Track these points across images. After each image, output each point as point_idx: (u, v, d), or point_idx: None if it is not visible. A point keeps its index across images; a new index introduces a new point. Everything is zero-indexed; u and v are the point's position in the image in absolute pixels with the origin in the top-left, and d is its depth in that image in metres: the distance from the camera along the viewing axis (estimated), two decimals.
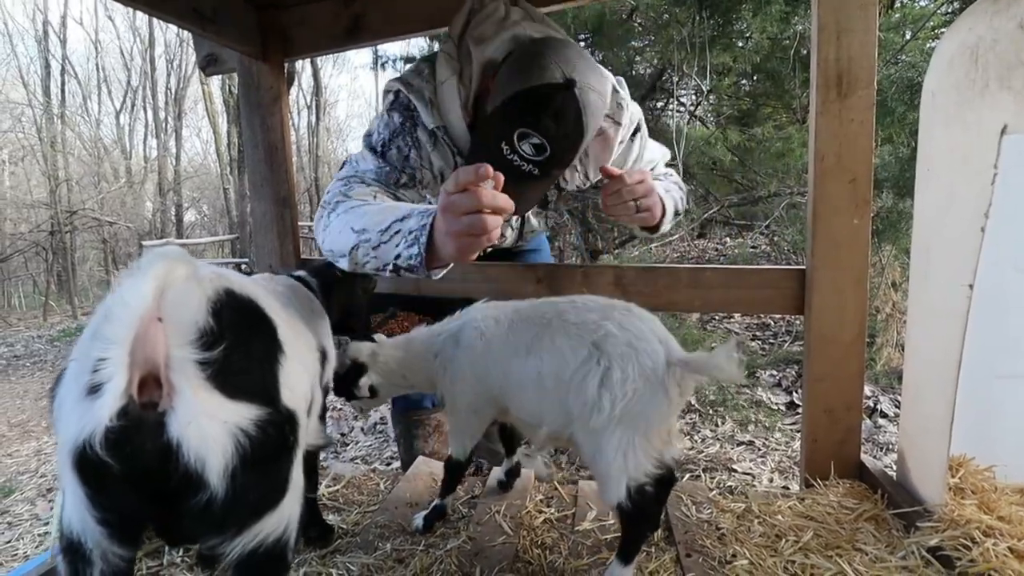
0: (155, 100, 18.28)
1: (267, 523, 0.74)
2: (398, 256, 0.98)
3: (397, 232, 0.99)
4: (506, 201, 0.87)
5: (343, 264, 1.12)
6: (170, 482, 0.63)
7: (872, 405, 2.37)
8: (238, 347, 0.69)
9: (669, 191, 1.44)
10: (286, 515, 0.77)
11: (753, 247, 5.55)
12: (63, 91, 17.17)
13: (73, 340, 8.35)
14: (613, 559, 1.09)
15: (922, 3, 4.05)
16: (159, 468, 0.63)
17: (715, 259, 6.02)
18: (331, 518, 1.42)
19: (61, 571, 0.72)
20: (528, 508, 1.42)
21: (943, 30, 3.63)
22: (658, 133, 5.52)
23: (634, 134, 1.45)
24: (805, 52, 3.82)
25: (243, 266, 8.90)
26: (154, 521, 0.70)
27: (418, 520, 1.35)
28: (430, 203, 1.30)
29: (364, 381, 1.28)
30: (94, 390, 0.61)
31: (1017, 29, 0.91)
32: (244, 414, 0.68)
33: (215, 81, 15.77)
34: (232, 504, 0.67)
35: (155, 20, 15.88)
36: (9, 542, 2.55)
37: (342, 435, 3.00)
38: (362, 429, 2.89)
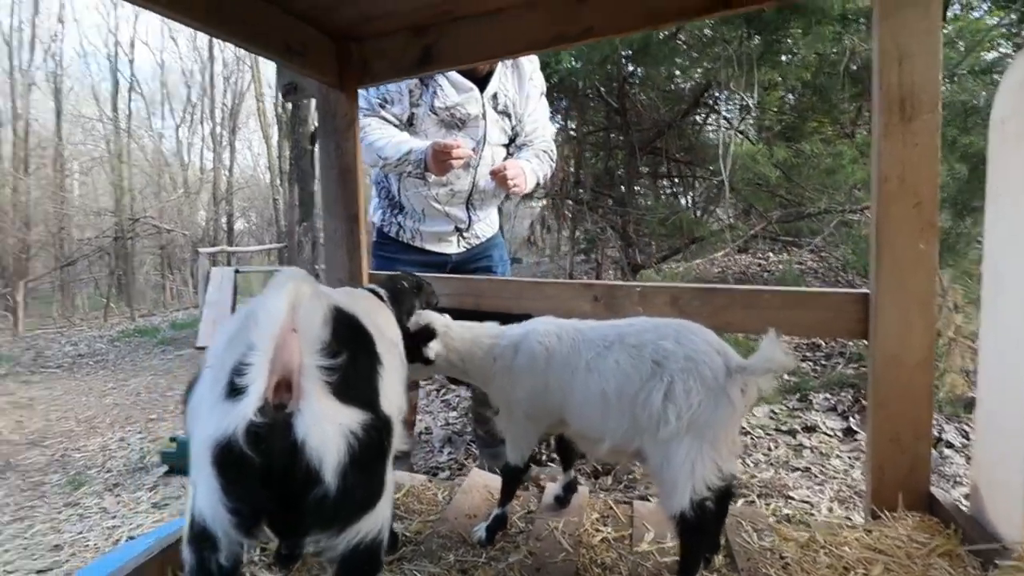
0: (212, 115, 19.28)
1: (367, 522, 0.80)
2: (408, 170, 2.01)
3: (406, 161, 1.97)
4: (464, 152, 1.91)
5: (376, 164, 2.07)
6: (293, 477, 0.71)
7: (937, 434, 2.29)
8: (349, 358, 0.77)
9: (536, 171, 2.21)
10: (382, 515, 0.83)
11: (800, 264, 5.42)
12: (130, 107, 18.35)
13: (132, 340, 8.83)
14: None
15: (975, 15, 3.90)
16: (286, 463, 0.70)
17: (759, 275, 5.90)
18: (395, 526, 1.48)
19: (188, 558, 0.80)
20: (585, 526, 1.45)
21: (1001, 41, 3.51)
22: (699, 147, 5.50)
23: (541, 95, 2.30)
24: (856, 68, 3.75)
25: None
26: (273, 514, 0.77)
27: (480, 531, 1.39)
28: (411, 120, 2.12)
29: (434, 345, 1.35)
30: (235, 392, 0.69)
31: None
32: (354, 418, 0.75)
33: (268, 98, 16.54)
34: (342, 500, 0.73)
35: (215, 41, 16.80)
36: (80, 533, 2.70)
37: None
38: (439, 446, 2.96)
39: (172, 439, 3.37)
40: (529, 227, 6.79)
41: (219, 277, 8.68)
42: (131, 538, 2.53)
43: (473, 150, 2.12)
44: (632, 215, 5.09)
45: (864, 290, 1.50)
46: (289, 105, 10.61)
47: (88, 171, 18.58)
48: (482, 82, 2.09)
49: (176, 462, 3.19)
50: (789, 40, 3.85)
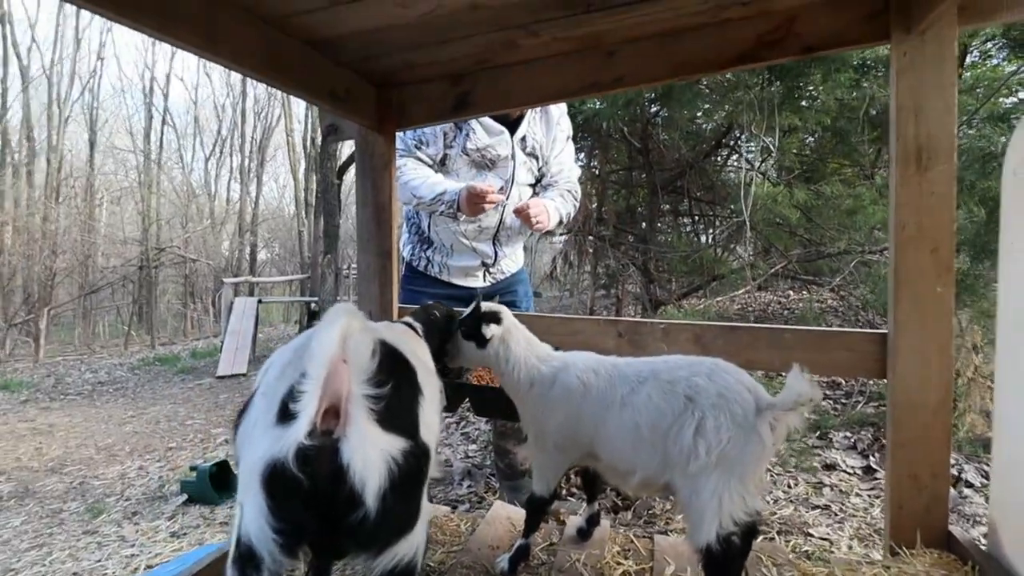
0: (241, 149, 20.01)
1: (403, 545, 0.85)
2: (441, 209, 2.14)
3: (440, 200, 2.12)
4: (497, 196, 2.06)
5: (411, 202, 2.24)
6: (337, 499, 0.76)
7: (956, 474, 2.26)
8: (393, 388, 0.83)
9: (559, 209, 2.32)
10: (417, 540, 0.88)
11: (819, 302, 5.41)
12: (162, 139, 19.13)
13: (152, 368, 8.96)
14: None
15: (995, 62, 4.01)
16: (331, 486, 0.76)
17: (779, 313, 5.89)
18: None
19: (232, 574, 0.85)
20: (607, 559, 1.47)
21: (1019, 88, 3.59)
22: (720, 187, 5.60)
23: (567, 138, 2.44)
24: (875, 112, 3.85)
25: (312, 304, 9.43)
26: (317, 534, 0.82)
27: (503, 562, 1.41)
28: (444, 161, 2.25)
29: (494, 328, 1.39)
30: (287, 417, 0.76)
31: None
32: (395, 445, 0.81)
33: (297, 132, 17.15)
34: (380, 523, 0.79)
35: (247, 78, 17.55)
36: (99, 561, 2.70)
37: None
38: (459, 479, 2.97)
39: (192, 468, 3.40)
40: (551, 262, 6.88)
41: (241, 307, 8.88)
42: (149, 567, 2.55)
43: (501, 189, 2.23)
44: (653, 252, 5.16)
45: (883, 331, 1.54)
46: (319, 140, 11.03)
47: (117, 201, 19.29)
48: (512, 125, 2.23)
49: (195, 491, 3.20)
50: (810, 86, 3.98)
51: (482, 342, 1.41)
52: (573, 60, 1.69)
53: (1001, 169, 1.37)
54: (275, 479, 0.76)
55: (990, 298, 2.66)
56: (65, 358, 11.46)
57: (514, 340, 1.42)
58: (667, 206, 6.09)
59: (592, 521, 1.56)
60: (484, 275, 2.40)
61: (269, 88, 17.93)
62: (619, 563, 1.45)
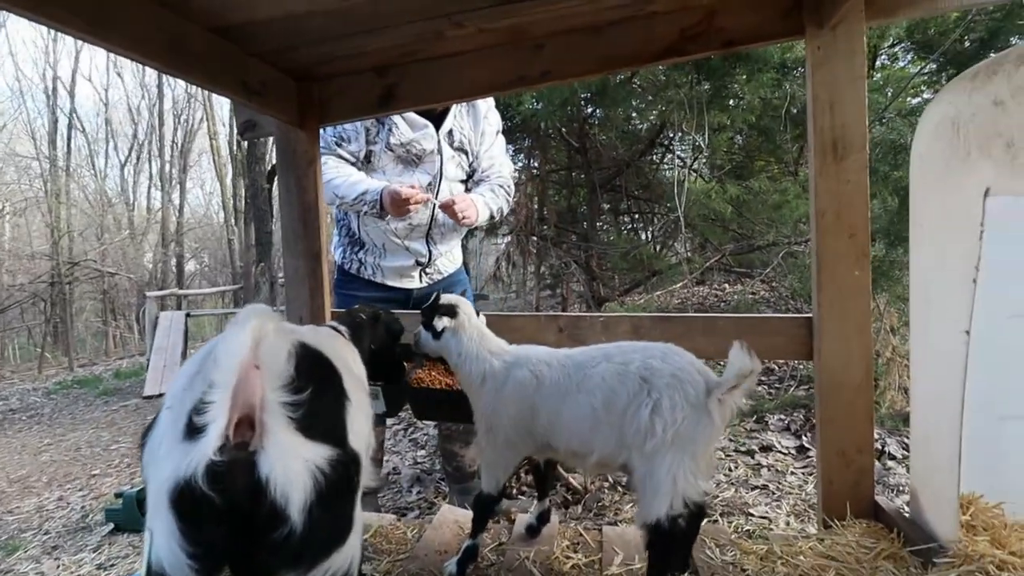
0: (161, 153, 18.80)
1: (336, 559, 0.79)
2: (363, 210, 2.06)
3: (361, 201, 2.03)
4: (421, 197, 2.00)
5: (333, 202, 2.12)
6: (257, 516, 0.70)
7: (880, 448, 2.41)
8: (314, 393, 0.77)
9: (489, 204, 2.27)
10: (351, 552, 0.82)
11: (752, 293, 5.68)
12: (69, 145, 17.66)
13: (70, 392, 8.29)
14: None
15: (901, 64, 4.34)
16: (249, 503, 0.69)
17: (716, 305, 6.13)
18: (364, 567, 1.44)
19: None
20: (556, 554, 1.45)
21: (923, 88, 3.90)
22: (657, 185, 5.77)
23: (497, 132, 2.39)
24: (796, 111, 4.07)
25: None
26: (236, 556, 0.75)
27: (451, 566, 1.38)
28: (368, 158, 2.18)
29: (446, 322, 1.39)
30: (195, 431, 0.68)
31: (992, 105, 1.04)
32: (320, 454, 0.75)
33: (222, 135, 16.30)
34: (308, 538, 0.72)
35: (164, 77, 16.55)
36: None
37: None
38: (406, 486, 2.89)
39: (117, 495, 3.14)
40: (495, 263, 6.85)
41: (167, 322, 8.32)
42: None
43: (430, 185, 2.19)
44: (595, 250, 5.24)
45: (809, 315, 1.61)
46: (245, 143, 10.52)
47: (22, 212, 17.65)
48: (437, 119, 2.18)
49: (122, 519, 2.96)
50: (735, 85, 4.16)
51: (435, 333, 1.41)
52: (501, 53, 1.67)
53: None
54: (184, 500, 0.69)
55: (904, 283, 2.86)
56: None
57: (466, 334, 1.41)
58: (607, 205, 6.21)
59: (543, 518, 1.54)
60: (420, 275, 2.33)
61: (189, 88, 16.98)
62: (568, 557, 1.44)
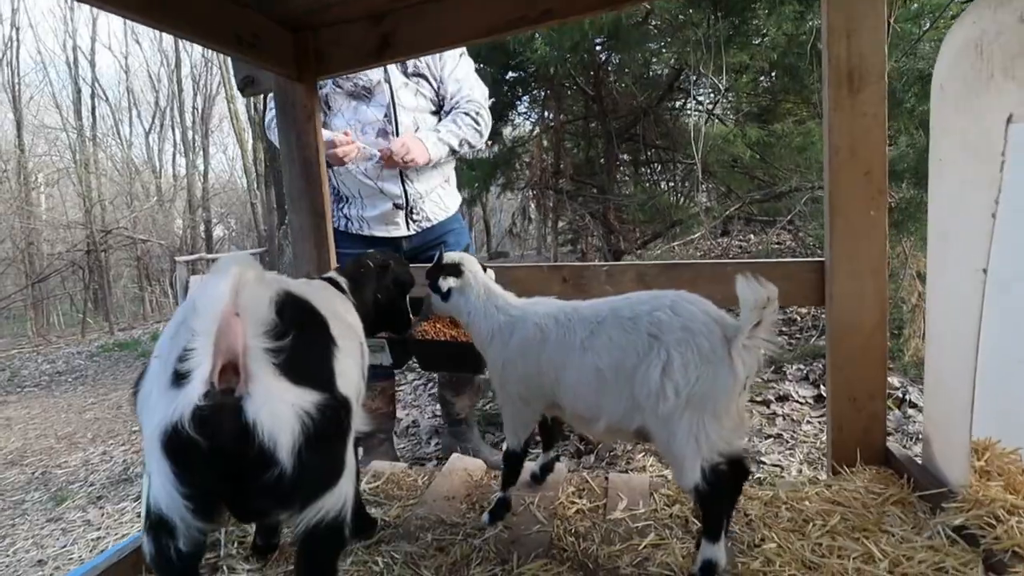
0: (183, 120, 18.90)
1: (327, 500, 0.82)
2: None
3: None
4: (340, 138, 1.95)
5: None
6: (246, 459, 0.72)
7: (901, 395, 2.36)
8: (299, 339, 0.78)
9: (445, 138, 2.16)
10: (343, 494, 0.85)
11: (778, 243, 5.51)
12: (94, 114, 17.88)
13: (111, 355, 8.69)
14: (702, 541, 1.09)
15: None
16: (237, 447, 0.71)
17: (739, 256, 5.99)
18: (374, 512, 1.50)
19: (148, 546, 0.81)
20: (561, 499, 1.48)
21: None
22: (677, 132, 5.56)
23: (460, 54, 2.26)
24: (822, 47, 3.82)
25: None
26: (230, 497, 0.78)
27: (484, 517, 1.39)
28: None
29: (452, 282, 1.38)
30: (181, 378, 0.71)
31: (1019, 22, 0.94)
32: (307, 398, 0.76)
33: (240, 99, 16.24)
34: (298, 479, 0.75)
35: (181, 42, 16.46)
36: (64, 547, 2.68)
37: None
38: (396, 432, 2.98)
39: None
40: (511, 219, 6.79)
41: (197, 285, 8.58)
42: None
43: (385, 116, 2.14)
44: (612, 202, 5.12)
45: (820, 258, 1.55)
46: (260, 105, 10.47)
47: (55, 183, 18.12)
48: None
49: None
50: (756, 21, 3.90)
51: (443, 295, 1.39)
52: None
53: None
54: (174, 444, 0.71)
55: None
56: (20, 350, 10.97)
57: (472, 291, 1.38)
58: (626, 155, 6.03)
59: (546, 468, 1.56)
60: (406, 222, 2.27)
61: (205, 52, 16.85)
62: (573, 502, 1.47)
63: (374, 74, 2.11)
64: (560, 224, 6.27)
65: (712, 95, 4.93)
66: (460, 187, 6.46)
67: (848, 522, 1.21)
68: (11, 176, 15.92)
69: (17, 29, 16.64)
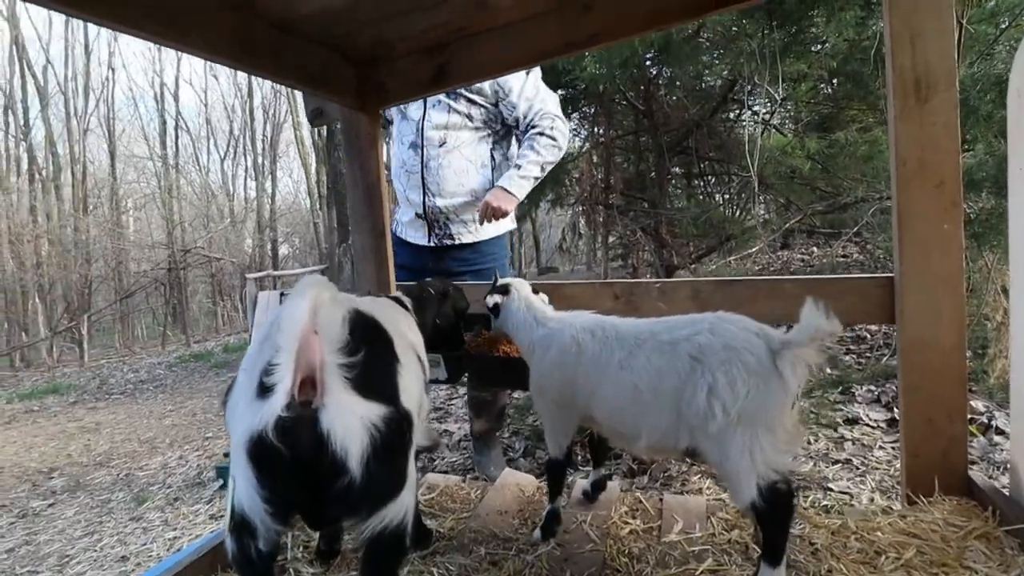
0: (254, 147, 20.21)
1: (391, 509, 0.86)
2: None
3: None
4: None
5: None
6: (321, 468, 0.77)
7: (986, 421, 2.18)
8: (368, 356, 0.83)
9: (526, 172, 2.21)
10: (405, 504, 0.89)
11: (844, 256, 5.25)
12: (177, 144, 19.46)
13: (188, 365, 9.28)
14: (761, 564, 1.07)
15: None
16: (313, 455, 0.76)
17: (800, 270, 5.74)
18: (429, 523, 1.53)
19: (230, 545, 0.88)
20: (614, 519, 1.47)
21: None
22: (732, 144, 5.44)
23: (527, 72, 2.26)
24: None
25: None
26: (305, 502, 0.83)
27: (536, 534, 1.40)
28: None
29: (498, 298, 1.46)
30: (265, 391, 0.77)
31: None
32: (375, 411, 0.81)
33: (305, 126, 17.21)
34: (366, 488, 0.79)
35: (253, 76, 17.64)
36: (144, 544, 2.87)
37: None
38: (447, 446, 3.03)
39: (226, 454, 3.54)
40: (561, 234, 6.82)
41: (265, 300, 9.06)
42: None
43: (415, 131, 2.28)
44: (664, 217, 5.05)
45: (889, 274, 1.48)
46: (324, 131, 11.05)
47: (142, 207, 19.74)
48: None
49: (230, 475, 3.35)
50: (814, 29, 3.79)
51: (492, 311, 1.47)
52: (547, 19, 1.63)
53: None
54: (258, 451, 0.78)
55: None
56: (108, 360, 11.93)
57: (515, 306, 1.44)
58: (678, 169, 5.95)
59: (598, 486, 1.56)
60: (428, 234, 2.35)
61: (275, 85, 17.99)
62: (626, 523, 1.45)
63: None
64: (610, 239, 6.23)
65: (768, 105, 4.80)
66: None
67: (925, 556, 1.14)
68: (104, 202, 17.51)
69: (113, 70, 18.40)
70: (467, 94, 2.26)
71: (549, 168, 2.32)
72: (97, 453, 4.82)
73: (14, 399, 8.26)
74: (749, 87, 4.79)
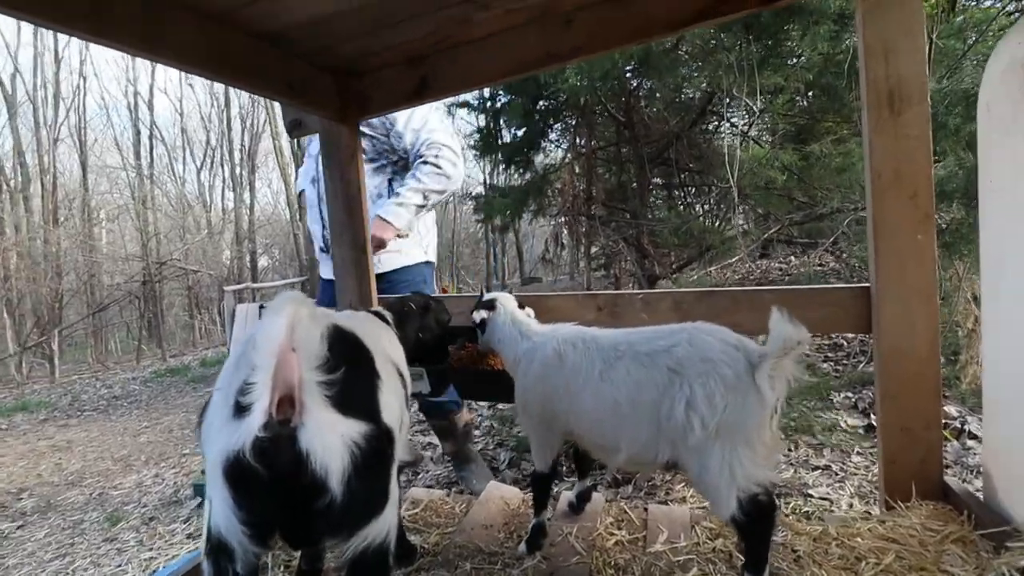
0: (231, 157, 19.94)
1: (374, 528, 0.84)
2: None
3: None
4: None
5: None
6: (300, 487, 0.75)
7: (959, 426, 2.23)
8: (348, 373, 0.82)
9: (406, 200, 2.22)
10: (388, 522, 0.87)
11: (820, 265, 5.36)
12: (152, 154, 19.08)
13: (164, 380, 9.06)
14: (745, 574, 1.08)
15: (986, 3, 3.90)
16: (292, 474, 0.75)
17: (779, 279, 5.84)
18: (413, 539, 1.51)
19: (207, 569, 0.85)
20: (599, 530, 1.46)
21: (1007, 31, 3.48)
22: (711, 155, 5.54)
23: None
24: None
25: None
26: (284, 523, 0.81)
27: (521, 547, 1.39)
28: None
29: (485, 314, 1.47)
30: (242, 410, 0.75)
31: None
32: (355, 429, 0.80)
33: (284, 136, 17.05)
34: (348, 507, 0.78)
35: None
36: (119, 566, 2.77)
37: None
38: (432, 459, 3.00)
39: (203, 471, 3.45)
40: (544, 244, 6.84)
41: (243, 313, 8.91)
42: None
43: (316, 165, 2.33)
44: (645, 227, 5.11)
45: (865, 284, 1.51)
46: (302, 141, 10.98)
47: (115, 219, 19.28)
48: None
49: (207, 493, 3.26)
50: (789, 43, 3.90)
51: (479, 327, 1.47)
52: (529, 32, 1.65)
53: None
54: (235, 472, 0.76)
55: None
56: (80, 376, 11.58)
57: (500, 320, 1.44)
58: (658, 180, 6.04)
59: (583, 497, 1.55)
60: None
61: (252, 95, 17.83)
62: (612, 534, 1.45)
63: None
64: (593, 250, 6.28)
65: (747, 117, 4.90)
66: (491, 214, 6.54)
67: (904, 561, 1.16)
68: (75, 213, 17.06)
69: (84, 78, 18.01)
70: (360, 127, 2.29)
71: (437, 196, 2.33)
72: (69, 472, 4.66)
73: None
74: (728, 99, 4.90)
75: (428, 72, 1.79)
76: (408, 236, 2.35)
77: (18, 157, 16.27)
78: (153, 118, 19.52)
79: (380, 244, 2.20)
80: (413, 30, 1.60)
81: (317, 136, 2.19)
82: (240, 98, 19.34)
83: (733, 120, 5.02)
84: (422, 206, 2.29)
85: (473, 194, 7.69)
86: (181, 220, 18.96)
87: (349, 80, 1.86)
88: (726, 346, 1.08)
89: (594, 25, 1.62)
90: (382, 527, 0.85)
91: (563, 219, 6.11)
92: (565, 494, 1.61)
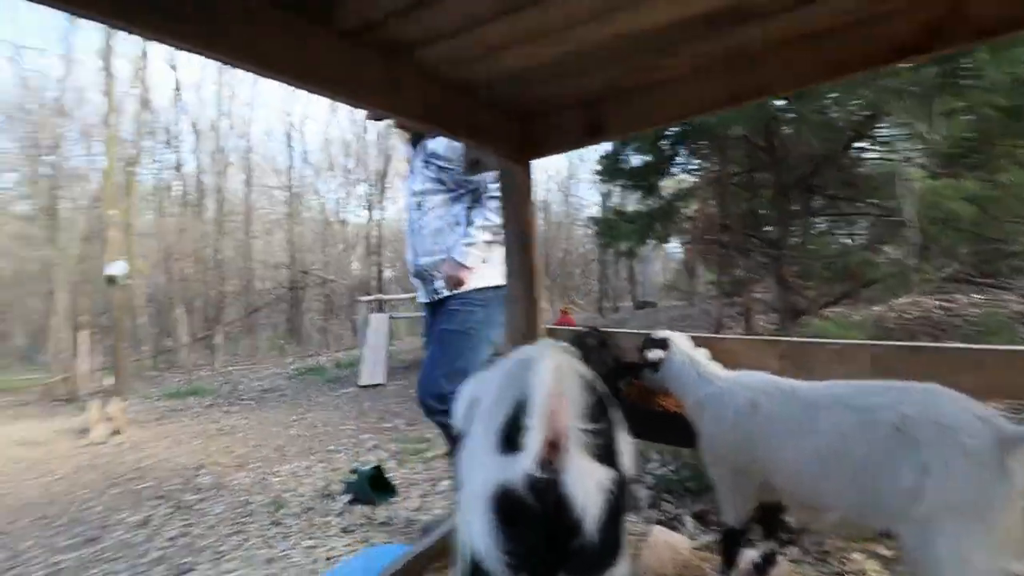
0: (366, 178, 21.90)
1: (615, 572, 0.88)
2: None
3: None
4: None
5: None
6: (561, 527, 0.81)
7: None
8: (599, 420, 0.87)
9: (478, 235, 2.30)
10: (626, 567, 0.91)
11: (1001, 308, 4.65)
12: (301, 175, 21.57)
13: (304, 378, 10.01)
14: None
15: None
16: (555, 515, 0.81)
17: (946, 321, 5.14)
18: None
19: None
20: None
21: None
22: (864, 180, 5.07)
23: None
24: None
25: None
26: (540, 557, 0.87)
27: None
28: None
29: (657, 354, 1.47)
30: (511, 446, 0.82)
31: None
32: (607, 476, 0.85)
33: None
34: (600, 551, 0.83)
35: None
36: (284, 551, 3.01)
37: None
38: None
39: (352, 470, 3.74)
40: (665, 270, 6.67)
41: (376, 322, 9.67)
42: (328, 558, 2.81)
43: (408, 196, 2.49)
44: (787, 256, 4.79)
45: None
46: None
47: (269, 232, 21.97)
48: (416, 137, 2.50)
49: (357, 491, 3.51)
50: (971, 64, 3.49)
51: (652, 366, 1.47)
52: (712, 74, 1.64)
53: None
54: (505, 503, 0.83)
55: None
56: (236, 368, 13.21)
57: (678, 361, 1.43)
58: (797, 206, 5.64)
59: (768, 560, 1.48)
60: (424, 289, 2.47)
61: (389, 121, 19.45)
62: None
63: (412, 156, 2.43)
64: (720, 278, 6.00)
65: (914, 142, 4.44)
66: (616, 238, 6.50)
67: None
68: (239, 227, 19.72)
69: (252, 110, 20.86)
70: (436, 160, 2.39)
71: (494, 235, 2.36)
72: (235, 455, 5.25)
73: (163, 397, 9.38)
74: (886, 123, 4.48)
75: (603, 114, 1.85)
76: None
77: (197, 177, 19.21)
78: (304, 143, 22.09)
79: (457, 283, 2.32)
80: (596, 80, 1.67)
81: (410, 170, 2.46)
82: (376, 124, 21.19)
83: (897, 145, 4.57)
84: (491, 242, 2.37)
85: (587, 216, 7.72)
86: (322, 234, 21.12)
87: (524, 123, 1.98)
88: (968, 415, 0.97)
89: (782, 65, 1.58)
90: (623, 572, 0.89)
91: (688, 245, 5.93)
92: (748, 554, 1.54)
